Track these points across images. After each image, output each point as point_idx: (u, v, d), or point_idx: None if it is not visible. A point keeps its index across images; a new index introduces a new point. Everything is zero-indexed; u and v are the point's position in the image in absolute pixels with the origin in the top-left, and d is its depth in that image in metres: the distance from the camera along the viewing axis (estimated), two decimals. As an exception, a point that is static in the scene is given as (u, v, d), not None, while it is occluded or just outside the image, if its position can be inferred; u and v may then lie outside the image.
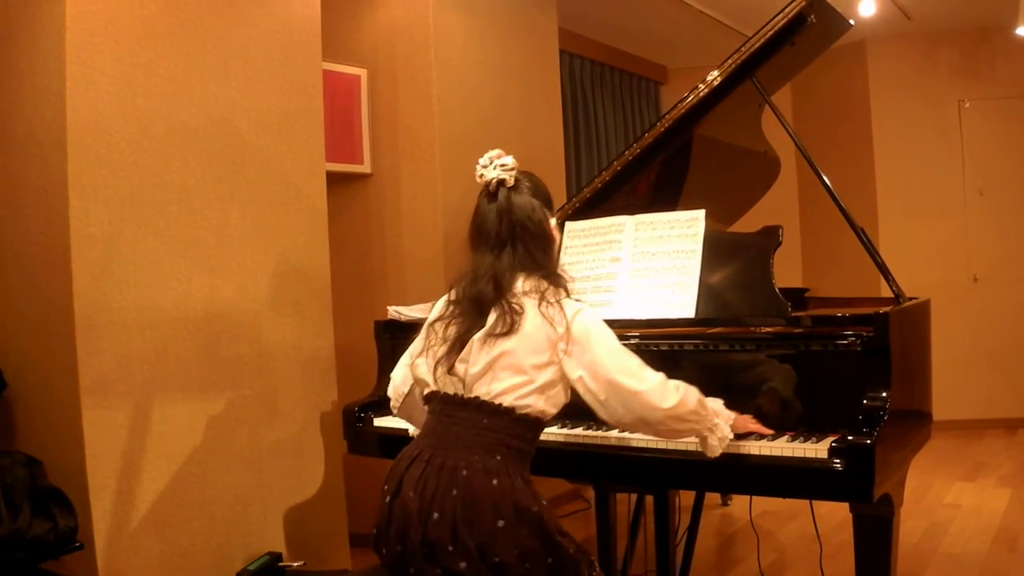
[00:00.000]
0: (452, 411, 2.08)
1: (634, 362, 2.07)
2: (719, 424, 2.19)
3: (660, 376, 2.09)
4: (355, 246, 4.59)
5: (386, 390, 3.20)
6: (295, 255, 3.56)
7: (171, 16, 3.14)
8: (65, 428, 2.91)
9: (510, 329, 2.04)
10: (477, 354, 2.06)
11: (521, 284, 2.10)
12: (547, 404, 2.07)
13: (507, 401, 2.03)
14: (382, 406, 3.17)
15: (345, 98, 4.42)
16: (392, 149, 4.54)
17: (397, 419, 3.06)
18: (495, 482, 1.97)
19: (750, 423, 2.40)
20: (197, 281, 3.20)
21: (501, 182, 2.17)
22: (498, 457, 2.00)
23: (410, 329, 3.21)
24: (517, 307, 2.06)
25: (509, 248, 2.14)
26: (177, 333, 3.13)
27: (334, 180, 4.08)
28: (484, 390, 2.04)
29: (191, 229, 3.19)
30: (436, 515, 1.95)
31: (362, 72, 4.50)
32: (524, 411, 2.04)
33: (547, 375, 2.04)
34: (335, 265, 3.83)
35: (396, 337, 3.23)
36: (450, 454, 2.01)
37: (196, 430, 3.19)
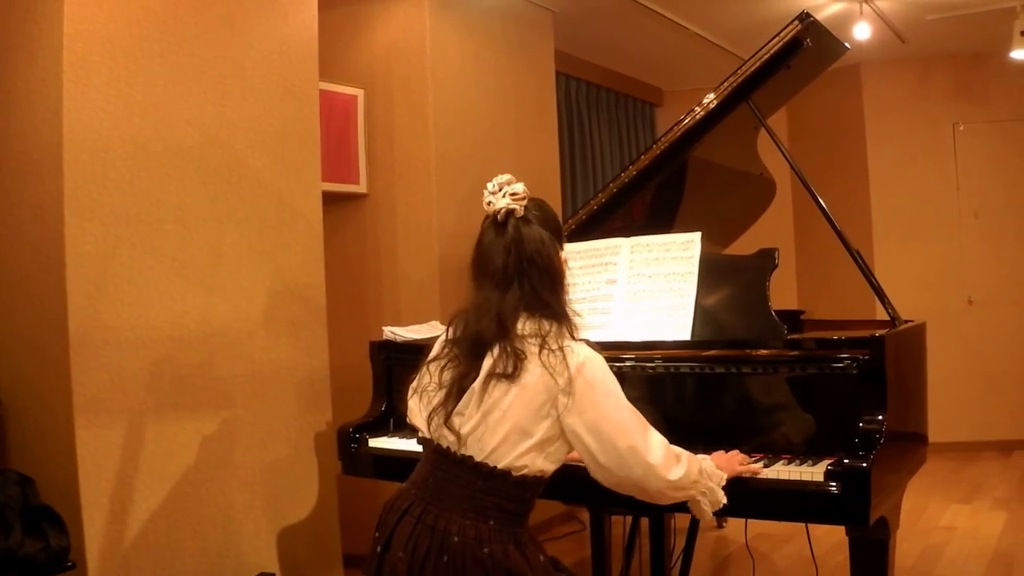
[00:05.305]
0: (446, 466, 1.97)
1: (640, 425, 1.97)
2: (713, 488, 2.10)
3: (664, 443, 1.99)
4: (351, 266, 4.59)
5: (381, 410, 3.22)
6: (290, 275, 3.55)
7: (168, 36, 3.15)
8: (58, 446, 2.89)
9: (512, 372, 1.91)
10: (475, 407, 1.95)
11: (522, 326, 1.96)
12: (547, 462, 1.96)
13: (503, 462, 1.91)
14: (377, 427, 3.17)
15: (341, 118, 4.43)
16: (388, 169, 4.55)
17: (392, 440, 3.07)
18: (487, 551, 1.88)
19: (736, 464, 2.30)
20: (192, 300, 3.19)
21: (511, 212, 2.00)
22: (491, 522, 1.92)
23: (405, 350, 3.22)
24: (520, 351, 1.93)
25: (516, 285, 1.98)
26: (171, 352, 3.12)
27: (330, 200, 4.09)
28: (478, 447, 1.93)
29: (186, 248, 3.19)
30: None
31: (359, 92, 4.51)
32: (521, 472, 1.93)
33: (546, 430, 1.92)
34: (330, 285, 3.82)
35: (391, 358, 3.22)
36: (442, 514, 1.93)
37: (190, 449, 3.17)
